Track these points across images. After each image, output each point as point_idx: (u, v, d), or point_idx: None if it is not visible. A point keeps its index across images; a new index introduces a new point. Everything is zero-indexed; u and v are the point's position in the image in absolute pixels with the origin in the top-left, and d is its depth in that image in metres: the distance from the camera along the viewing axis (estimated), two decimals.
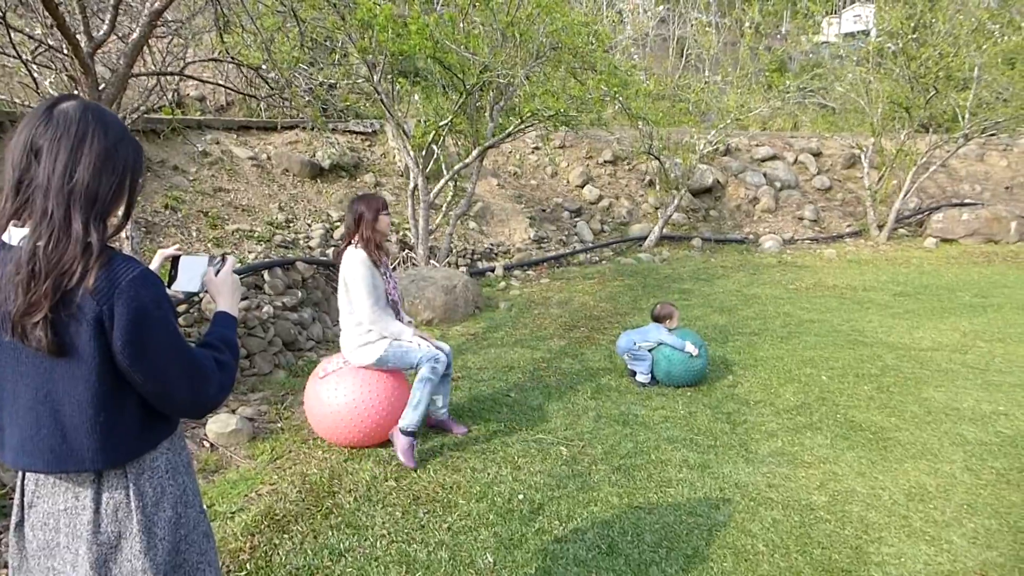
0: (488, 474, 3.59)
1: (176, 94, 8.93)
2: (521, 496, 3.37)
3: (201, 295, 1.89)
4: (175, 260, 1.72)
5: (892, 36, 11.36)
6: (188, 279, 1.71)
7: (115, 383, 1.32)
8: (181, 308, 4.58)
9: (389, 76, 7.08)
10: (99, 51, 3.74)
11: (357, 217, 3.67)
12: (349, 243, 3.73)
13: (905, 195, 12.40)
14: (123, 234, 4.44)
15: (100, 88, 3.67)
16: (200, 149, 7.58)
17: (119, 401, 1.33)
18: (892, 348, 6.19)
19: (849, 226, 13.03)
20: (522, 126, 7.43)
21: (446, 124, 7.18)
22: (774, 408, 4.74)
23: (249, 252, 6.32)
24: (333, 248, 7.26)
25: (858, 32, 28.53)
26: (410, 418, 3.70)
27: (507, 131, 7.54)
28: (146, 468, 1.42)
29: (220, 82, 6.30)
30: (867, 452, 4.05)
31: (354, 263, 3.64)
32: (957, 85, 11.57)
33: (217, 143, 8.05)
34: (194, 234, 6.18)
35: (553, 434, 4.17)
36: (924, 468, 3.86)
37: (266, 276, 5.63)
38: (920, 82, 11.34)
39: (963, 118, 11.84)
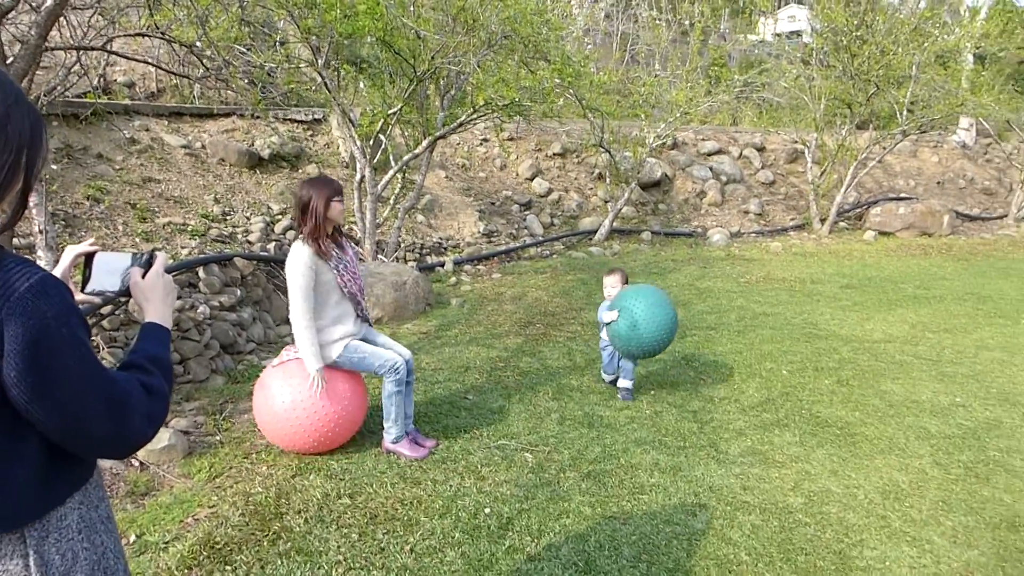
0: (451, 486, 3.34)
1: (102, 79, 8.32)
2: (488, 510, 3.13)
3: (121, 298, 1.60)
4: (89, 258, 1.42)
5: (836, 33, 11.53)
6: (105, 279, 1.41)
7: (8, 423, 1.02)
8: (106, 310, 4.16)
9: (334, 61, 6.70)
10: (6, 20, 3.31)
11: (304, 204, 3.31)
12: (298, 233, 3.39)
13: (846, 190, 12.65)
14: (36, 227, 3.99)
15: (8, 61, 3.25)
16: (127, 136, 7.04)
17: (13, 445, 1.04)
18: (846, 341, 6.20)
19: (793, 220, 13.22)
20: (475, 116, 7.17)
21: (395, 113, 6.85)
22: (739, 405, 4.63)
23: (182, 247, 5.87)
24: (274, 243, 6.85)
25: (792, 32, 29.24)
26: (393, 432, 3.59)
27: (459, 120, 7.25)
28: (52, 529, 1.11)
29: (148, 60, 5.80)
30: (836, 449, 3.97)
31: (294, 262, 3.29)
32: (896, 82, 11.83)
33: (146, 130, 7.51)
34: (121, 228, 5.70)
35: (517, 439, 3.94)
36: (894, 464, 3.80)
37: (201, 273, 5.22)
38: (862, 78, 11.54)
39: (901, 115, 12.13)
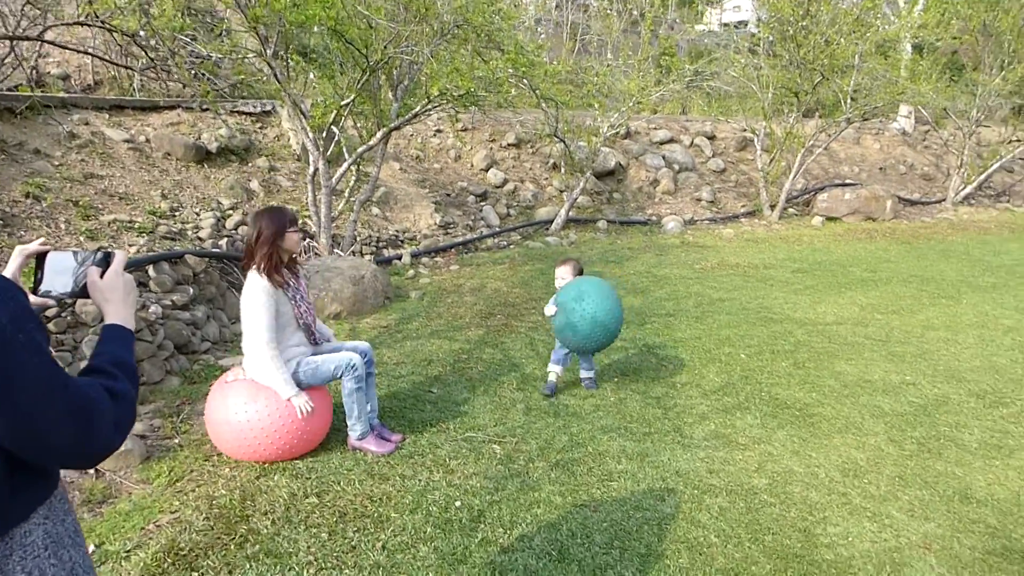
0: (419, 481, 3.31)
1: (35, 71, 7.94)
2: (459, 503, 3.11)
3: (70, 300, 1.52)
4: (40, 258, 1.34)
5: (782, 23, 11.75)
6: (58, 279, 1.34)
7: None
8: (50, 312, 3.98)
9: (283, 52, 6.53)
10: None
11: (256, 236, 3.24)
12: (249, 264, 3.29)
13: (794, 176, 12.93)
14: None
15: None
16: (66, 130, 6.74)
17: None
18: (800, 324, 6.35)
19: (744, 206, 13.46)
20: (429, 106, 7.08)
21: (348, 104, 6.72)
22: (701, 389, 4.70)
23: (130, 245, 5.66)
24: (226, 239, 6.66)
25: (739, 22, 29.72)
26: (358, 429, 3.54)
27: (414, 111, 7.16)
28: (16, 547, 1.05)
29: (88, 50, 5.53)
30: (796, 429, 4.06)
31: (253, 293, 3.23)
32: (840, 71, 12.13)
33: (86, 124, 7.20)
34: (63, 226, 5.46)
35: (483, 431, 3.92)
36: (852, 442, 3.91)
37: (151, 272, 5.05)
38: (808, 68, 11.80)
39: (845, 103, 12.44)
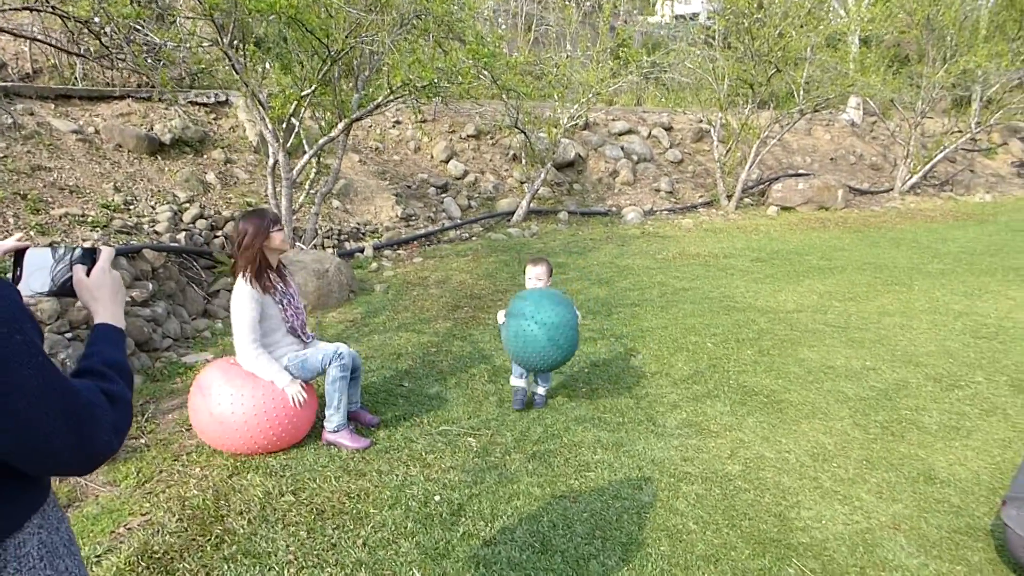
0: (397, 476, 3.27)
1: None
2: (438, 498, 3.09)
3: (46, 297, 1.44)
4: (19, 255, 1.27)
5: (737, 16, 11.92)
6: (36, 277, 1.27)
7: None
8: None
9: (239, 41, 6.35)
10: None
11: (239, 241, 3.28)
12: (236, 270, 3.34)
13: (750, 167, 13.17)
14: None
15: None
16: (9, 121, 6.44)
17: None
18: (762, 312, 6.48)
19: (702, 197, 13.67)
20: (392, 97, 6.98)
21: (309, 94, 6.58)
22: (671, 378, 4.76)
23: (83, 240, 5.45)
24: (184, 232, 6.47)
25: (692, 15, 30.08)
26: (335, 420, 3.51)
27: (375, 103, 7.05)
28: (10, 559, 0.99)
29: (39, 37, 5.27)
30: (766, 416, 4.15)
31: (240, 298, 3.27)
32: (793, 63, 12.38)
33: (31, 114, 6.89)
34: (11, 221, 5.22)
35: (458, 424, 3.90)
36: (819, 427, 4.00)
37: None
38: (762, 60, 12.01)
39: (798, 94, 12.72)
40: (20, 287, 1.26)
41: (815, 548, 2.83)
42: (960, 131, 15.92)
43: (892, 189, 15.56)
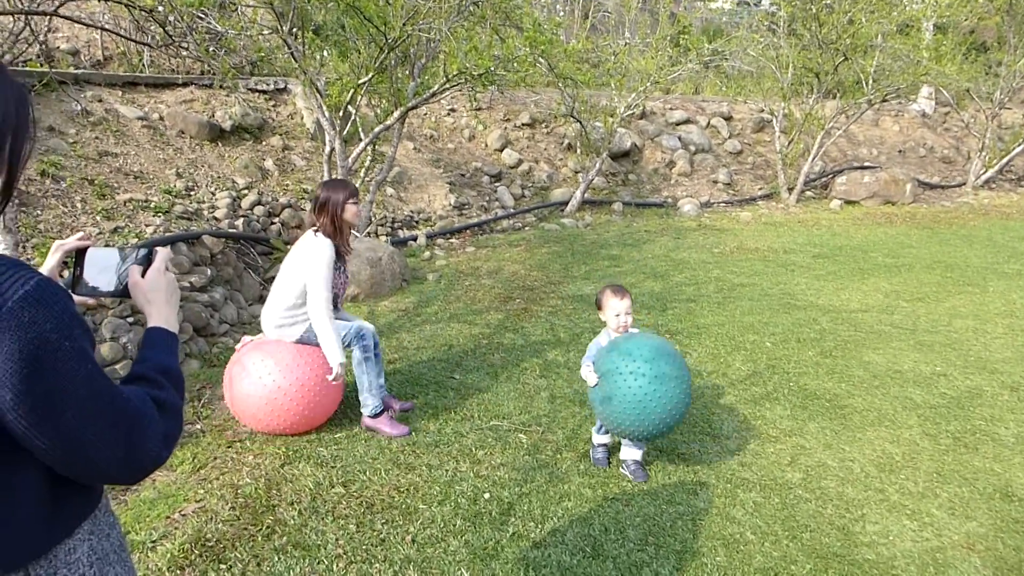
0: (446, 471, 3.24)
1: (44, 46, 7.82)
2: (487, 495, 3.05)
3: (109, 300, 1.45)
4: (80, 254, 1.26)
5: (805, 2, 11.48)
6: (99, 277, 1.25)
7: (4, 452, 0.88)
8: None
9: (298, 28, 6.39)
10: None
11: (322, 203, 3.44)
12: (313, 227, 3.50)
13: (813, 159, 12.73)
14: None
15: None
16: (80, 108, 6.64)
17: (11, 476, 0.89)
18: (824, 311, 6.24)
19: (761, 189, 13.28)
20: (448, 86, 6.94)
21: (366, 82, 6.59)
22: (727, 379, 4.61)
23: (147, 225, 5.59)
24: (242, 219, 6.58)
25: (753, 1, 29.20)
26: (370, 403, 3.55)
27: (432, 91, 7.02)
28: (60, 565, 0.97)
29: (104, 25, 5.41)
30: (828, 421, 3.98)
31: (321, 255, 3.38)
32: (863, 51, 11.87)
33: (99, 101, 7.10)
34: (79, 206, 5.39)
35: (508, 420, 3.85)
36: (886, 436, 3.82)
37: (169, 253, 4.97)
38: (830, 47, 11.55)
39: (867, 84, 12.20)
40: (81, 287, 1.25)
41: (881, 566, 2.69)
42: None
43: (964, 184, 14.84)
